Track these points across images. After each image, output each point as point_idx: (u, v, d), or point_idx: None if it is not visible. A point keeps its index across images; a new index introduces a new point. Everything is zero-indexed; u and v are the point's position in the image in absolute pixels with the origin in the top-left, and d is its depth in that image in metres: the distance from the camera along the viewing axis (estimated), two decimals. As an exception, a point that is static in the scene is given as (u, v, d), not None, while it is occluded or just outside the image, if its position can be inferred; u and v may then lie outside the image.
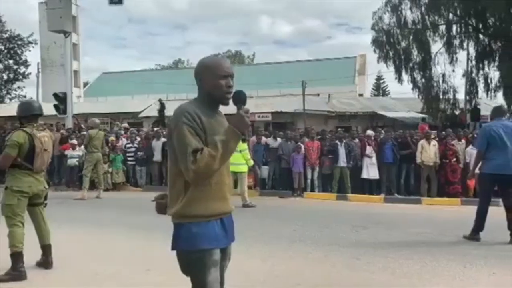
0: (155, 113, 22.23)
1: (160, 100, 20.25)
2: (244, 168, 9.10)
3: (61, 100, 14.51)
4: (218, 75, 2.18)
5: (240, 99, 2.17)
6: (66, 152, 11.91)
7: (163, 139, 12.06)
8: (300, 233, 6.67)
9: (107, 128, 16.03)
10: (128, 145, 12.35)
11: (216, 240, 2.15)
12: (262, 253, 5.36)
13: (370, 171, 10.68)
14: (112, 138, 12.46)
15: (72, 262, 4.88)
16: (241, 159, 8.92)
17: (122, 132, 13.40)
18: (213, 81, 2.18)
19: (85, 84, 43.10)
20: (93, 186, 10.43)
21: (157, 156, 11.89)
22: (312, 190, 10.95)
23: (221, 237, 2.19)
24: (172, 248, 2.16)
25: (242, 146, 8.92)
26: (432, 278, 4.49)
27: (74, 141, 12.06)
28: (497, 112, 6.28)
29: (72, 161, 11.81)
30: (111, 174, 11.65)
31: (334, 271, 4.74)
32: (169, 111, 20.70)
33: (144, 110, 26.39)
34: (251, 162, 9.33)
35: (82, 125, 14.31)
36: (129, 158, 12.12)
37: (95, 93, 36.86)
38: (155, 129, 13.22)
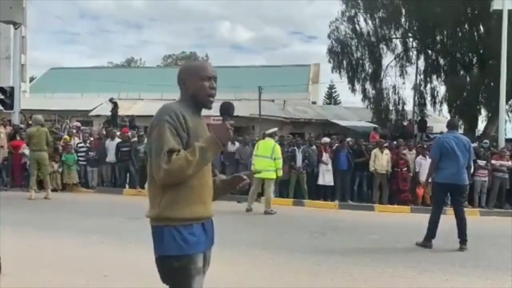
0: (106, 112, 21.52)
1: (112, 99, 19.50)
2: (273, 175, 9.03)
3: (7, 95, 13.72)
4: (202, 76, 2.15)
5: (227, 111, 2.17)
6: (21, 150, 11.15)
7: (117, 140, 11.70)
8: (260, 238, 6.68)
9: (58, 126, 15.29)
10: (80, 145, 11.87)
11: (199, 244, 2.09)
12: (222, 259, 5.27)
13: (326, 177, 10.88)
14: (66, 137, 11.93)
15: (19, 270, 4.51)
16: (271, 166, 8.91)
17: (74, 130, 12.85)
18: (197, 83, 2.15)
19: (31, 79, 40.99)
20: (41, 186, 9.95)
21: (111, 157, 11.51)
22: (269, 195, 10.98)
23: (203, 241, 2.13)
24: (155, 253, 2.07)
25: (277, 153, 9.01)
26: (391, 285, 4.63)
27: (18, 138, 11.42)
28: (450, 125, 6.64)
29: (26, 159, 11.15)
30: (62, 174, 11.11)
31: (297, 277, 4.77)
32: (121, 111, 20.16)
33: (94, 108, 25.56)
34: (281, 173, 9.27)
35: (30, 122, 13.57)
36: (80, 158, 11.63)
37: (42, 89, 35.06)
38: (109, 129, 12.77)
